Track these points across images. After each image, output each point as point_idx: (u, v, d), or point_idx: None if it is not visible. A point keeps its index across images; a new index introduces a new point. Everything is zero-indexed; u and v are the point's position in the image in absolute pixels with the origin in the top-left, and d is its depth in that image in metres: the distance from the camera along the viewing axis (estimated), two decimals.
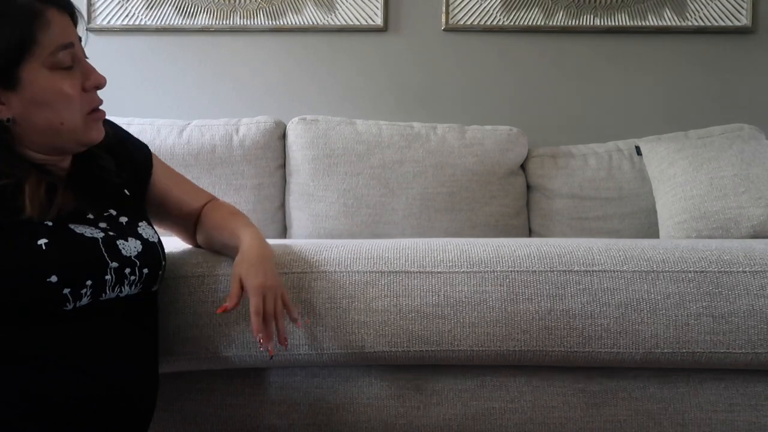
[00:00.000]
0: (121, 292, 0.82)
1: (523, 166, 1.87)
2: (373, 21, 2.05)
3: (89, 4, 2.08)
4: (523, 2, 2.03)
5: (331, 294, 0.93)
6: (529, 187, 1.86)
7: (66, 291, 0.75)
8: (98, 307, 0.80)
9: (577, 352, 0.92)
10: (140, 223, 0.89)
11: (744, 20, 1.99)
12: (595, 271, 0.94)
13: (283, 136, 1.80)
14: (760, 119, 1.92)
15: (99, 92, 0.83)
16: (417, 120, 1.88)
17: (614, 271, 0.94)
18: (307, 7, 2.05)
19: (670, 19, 2.01)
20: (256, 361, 0.96)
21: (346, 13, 2.05)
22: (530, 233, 1.85)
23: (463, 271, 0.94)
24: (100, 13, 2.08)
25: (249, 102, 2.06)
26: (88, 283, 0.77)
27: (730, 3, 1.99)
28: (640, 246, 0.98)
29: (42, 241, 0.74)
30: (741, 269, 0.94)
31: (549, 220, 1.82)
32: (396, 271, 0.94)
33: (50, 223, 0.77)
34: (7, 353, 0.72)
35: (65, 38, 0.75)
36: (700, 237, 1.44)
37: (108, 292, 0.80)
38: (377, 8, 2.05)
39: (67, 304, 0.76)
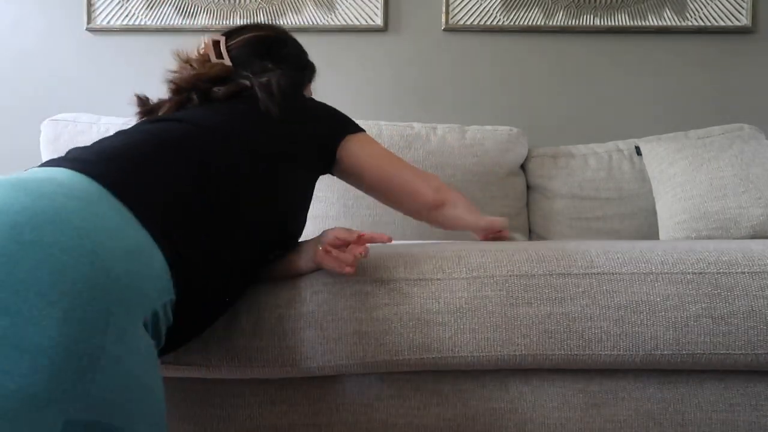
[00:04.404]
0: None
1: (523, 167, 1.87)
2: (373, 21, 2.05)
3: (89, 4, 2.08)
4: (523, 2, 2.03)
5: (333, 305, 0.94)
6: (529, 188, 1.86)
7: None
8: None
9: (578, 355, 0.92)
10: None
11: (744, 20, 1.99)
12: (594, 273, 0.94)
13: None
14: (760, 119, 1.92)
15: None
16: (417, 120, 1.88)
17: (613, 274, 0.94)
18: (307, 7, 2.05)
19: (670, 19, 2.01)
20: (260, 374, 0.96)
21: (346, 13, 2.05)
22: (530, 233, 1.85)
23: (463, 278, 0.94)
24: (100, 13, 2.08)
25: None
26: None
27: (730, 3, 1.99)
28: (639, 248, 0.98)
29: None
30: (740, 270, 0.94)
31: (549, 221, 1.82)
32: (396, 279, 0.94)
33: None
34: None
35: None
36: (700, 237, 1.44)
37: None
38: (377, 8, 2.05)
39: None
